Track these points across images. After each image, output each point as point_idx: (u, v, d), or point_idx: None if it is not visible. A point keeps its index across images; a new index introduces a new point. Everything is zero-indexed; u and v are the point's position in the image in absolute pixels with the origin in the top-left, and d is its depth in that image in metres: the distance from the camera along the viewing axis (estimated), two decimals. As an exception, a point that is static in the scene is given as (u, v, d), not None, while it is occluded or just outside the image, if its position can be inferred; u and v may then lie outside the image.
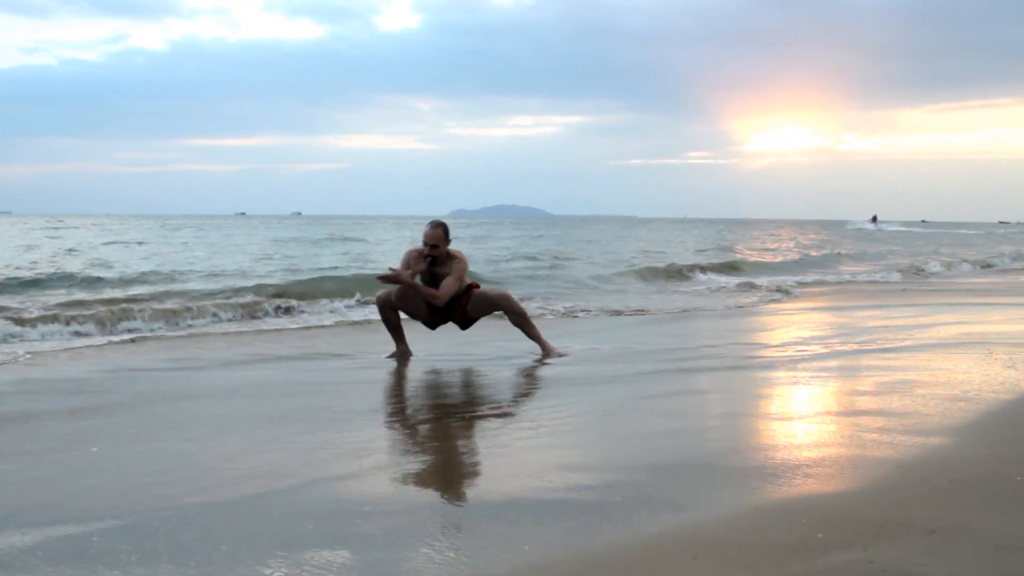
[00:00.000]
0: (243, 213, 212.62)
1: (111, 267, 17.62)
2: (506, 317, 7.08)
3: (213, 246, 29.15)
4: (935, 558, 2.40)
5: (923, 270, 20.74)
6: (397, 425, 4.51)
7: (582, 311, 10.97)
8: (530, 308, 10.64)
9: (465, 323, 7.00)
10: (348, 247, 29.58)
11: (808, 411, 4.40)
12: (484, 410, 4.72)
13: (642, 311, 11.15)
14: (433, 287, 6.75)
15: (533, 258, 23.28)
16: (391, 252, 24.40)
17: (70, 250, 24.17)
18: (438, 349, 7.19)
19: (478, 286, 6.99)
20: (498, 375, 5.97)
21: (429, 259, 6.71)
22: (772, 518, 2.74)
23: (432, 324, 7.01)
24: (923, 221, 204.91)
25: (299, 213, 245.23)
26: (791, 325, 9.41)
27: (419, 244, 6.79)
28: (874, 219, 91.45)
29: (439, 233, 6.71)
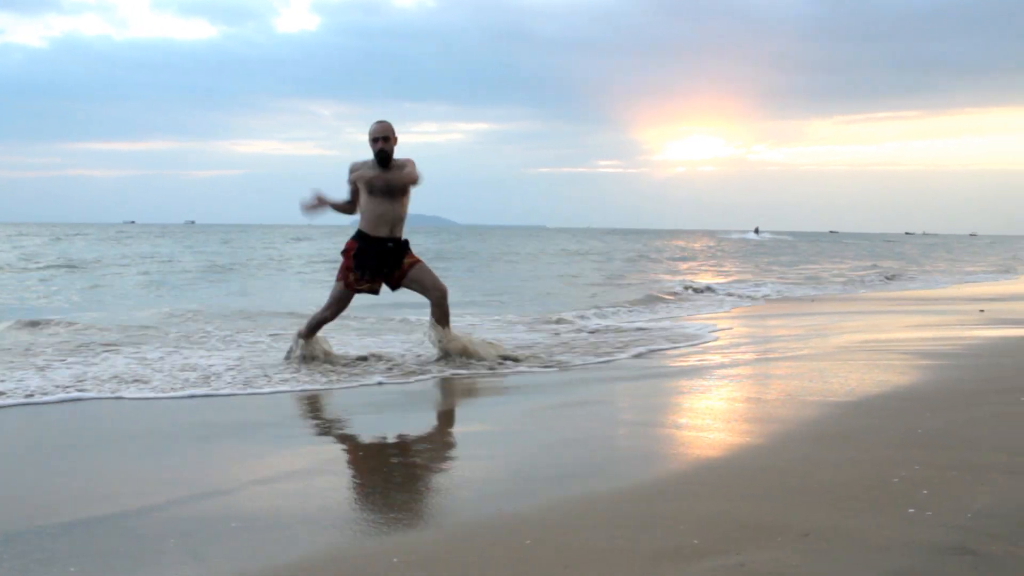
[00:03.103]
0: (132, 221, 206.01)
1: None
2: (429, 309, 6.66)
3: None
4: (808, 560, 2.39)
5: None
6: (283, 440, 4.34)
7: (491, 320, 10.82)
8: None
9: (396, 284, 6.59)
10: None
11: (698, 420, 4.40)
12: (381, 425, 4.60)
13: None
14: (389, 198, 6.34)
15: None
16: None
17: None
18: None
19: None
20: (400, 388, 5.83)
21: (382, 158, 6.30)
22: (651, 525, 2.70)
23: (375, 290, 6.55)
24: (832, 232, 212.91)
25: (192, 222, 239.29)
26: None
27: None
28: (756, 230, 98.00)
29: (388, 126, 6.34)
